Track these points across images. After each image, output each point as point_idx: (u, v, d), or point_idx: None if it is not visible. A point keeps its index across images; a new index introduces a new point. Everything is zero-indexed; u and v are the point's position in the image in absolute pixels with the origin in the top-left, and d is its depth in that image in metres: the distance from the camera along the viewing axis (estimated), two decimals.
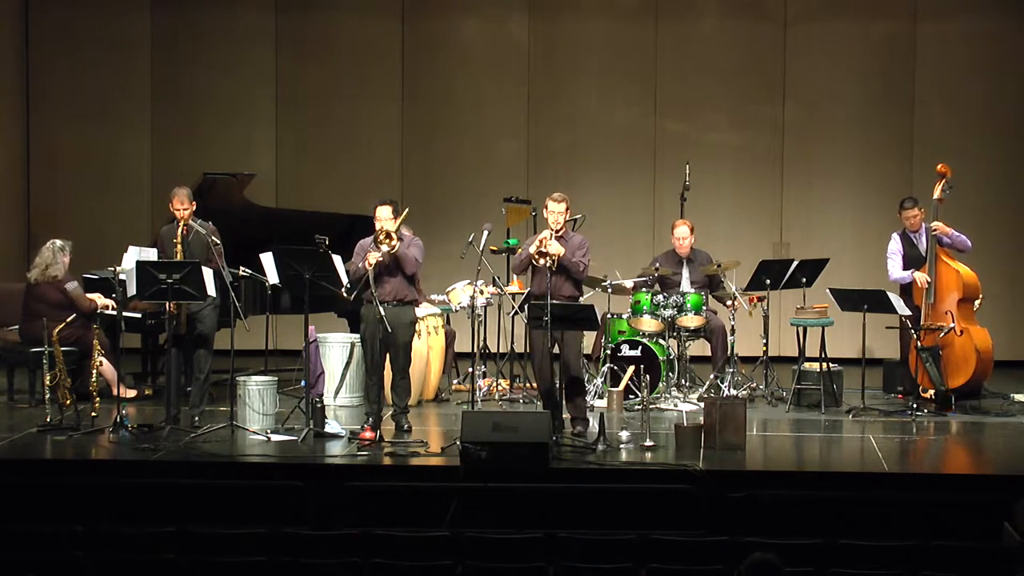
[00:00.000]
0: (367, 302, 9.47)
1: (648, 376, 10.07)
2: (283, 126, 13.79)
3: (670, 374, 10.85)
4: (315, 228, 9.99)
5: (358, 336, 9.95)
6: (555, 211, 9.41)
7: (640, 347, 10.83)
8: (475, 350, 10.67)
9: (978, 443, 9.76)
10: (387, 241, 9.36)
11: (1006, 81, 13.37)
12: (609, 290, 10.99)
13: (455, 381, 11.48)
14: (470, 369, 10.64)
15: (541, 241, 9.27)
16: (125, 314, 9.94)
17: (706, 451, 9.00)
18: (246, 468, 8.74)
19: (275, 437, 9.37)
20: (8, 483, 8.39)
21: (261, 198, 12.34)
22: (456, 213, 13.27)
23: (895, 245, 10.95)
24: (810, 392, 10.68)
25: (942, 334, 10.48)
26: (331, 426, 9.49)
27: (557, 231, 9.37)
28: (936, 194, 10.69)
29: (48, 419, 9.64)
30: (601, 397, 10.67)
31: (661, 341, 10.91)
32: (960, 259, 10.78)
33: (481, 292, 10.90)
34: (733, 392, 10.73)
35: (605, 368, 10.81)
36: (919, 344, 10.40)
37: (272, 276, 10.32)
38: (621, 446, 9.14)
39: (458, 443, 8.63)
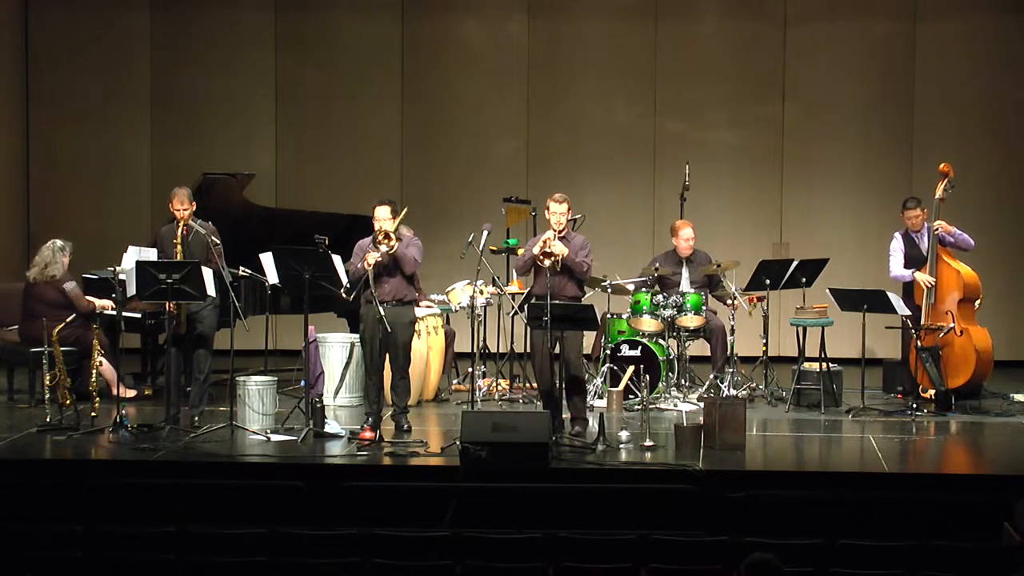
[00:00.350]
0: (367, 302, 9.47)
1: (648, 376, 10.06)
2: (283, 126, 13.79)
3: (670, 374, 10.85)
4: (315, 228, 10.00)
5: (358, 336, 9.95)
6: (556, 212, 9.41)
7: (640, 347, 10.83)
8: (475, 350, 10.67)
9: (978, 443, 9.76)
10: (386, 241, 9.36)
11: (1006, 81, 13.36)
12: (609, 290, 10.99)
13: (455, 381, 11.48)
14: (470, 369, 10.65)
15: (545, 242, 9.26)
16: (125, 314, 9.94)
17: (706, 451, 9.00)
18: (246, 468, 8.74)
19: (275, 437, 9.37)
20: (8, 483, 8.38)
21: (261, 198, 12.35)
22: (456, 213, 13.27)
23: (897, 244, 10.95)
24: (810, 392, 10.68)
25: (942, 334, 10.47)
26: (331, 426, 9.49)
27: (559, 231, 9.37)
28: (938, 193, 10.68)
29: (48, 419, 9.64)
30: (601, 397, 10.67)
31: (661, 341, 10.91)
32: (961, 259, 10.77)
33: (481, 292, 10.90)
34: (733, 392, 10.72)
35: (605, 368, 10.81)
36: (919, 344, 10.40)
37: (272, 276, 10.32)
38: (621, 446, 9.14)
39: (458, 443, 8.63)
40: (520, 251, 10.83)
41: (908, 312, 10.56)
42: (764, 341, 11.05)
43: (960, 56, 13.40)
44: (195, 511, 8.04)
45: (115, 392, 9.93)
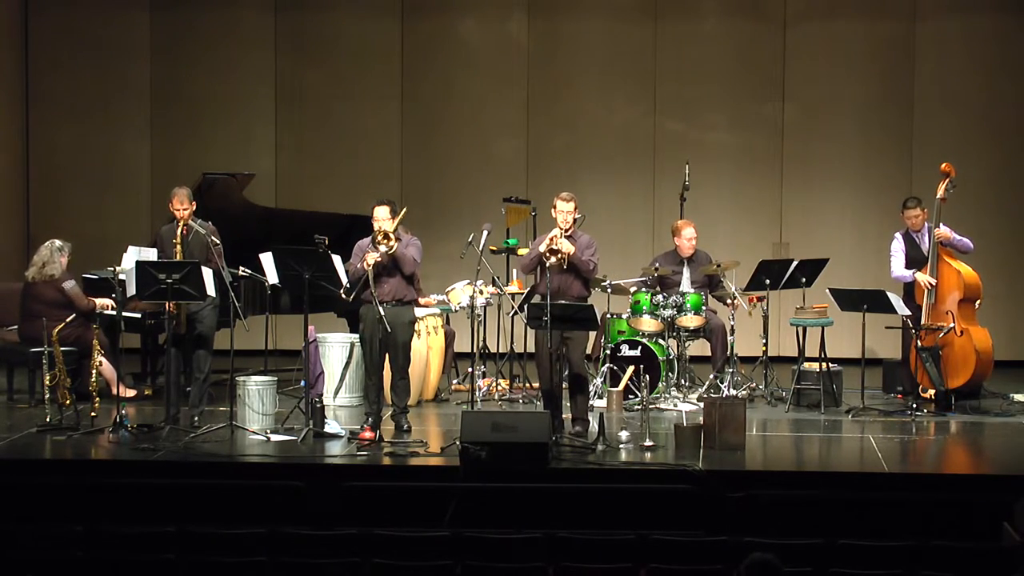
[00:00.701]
0: (366, 302, 9.47)
1: (648, 376, 10.06)
2: (283, 126, 13.79)
3: (670, 374, 10.85)
4: (314, 228, 9.99)
5: (357, 336, 9.95)
6: (564, 210, 9.40)
7: (640, 347, 10.83)
8: (475, 350, 10.67)
9: (978, 443, 9.76)
10: (385, 241, 9.36)
11: (1006, 81, 13.36)
12: (609, 290, 10.98)
13: (455, 381, 11.48)
14: (470, 369, 10.64)
15: (552, 239, 9.25)
16: (125, 314, 9.94)
17: (706, 451, 8.99)
18: (246, 468, 8.74)
19: (275, 437, 9.37)
20: (8, 483, 8.38)
21: (261, 198, 12.34)
22: (456, 213, 13.27)
23: (897, 244, 10.94)
24: (810, 392, 10.68)
25: (942, 334, 10.47)
26: (331, 426, 9.49)
27: (566, 230, 9.36)
28: (939, 193, 10.68)
29: (48, 419, 9.63)
30: (601, 397, 10.67)
31: (661, 341, 10.91)
32: (961, 259, 10.77)
33: (481, 292, 10.89)
34: (733, 392, 10.72)
35: (605, 368, 10.81)
36: (919, 344, 10.40)
37: (272, 276, 10.33)
38: (621, 446, 9.14)
39: (458, 443, 8.63)
40: (520, 251, 10.85)
41: (908, 312, 10.56)
42: (764, 341, 11.05)
43: (960, 56, 13.40)
44: (195, 511, 8.04)
45: (115, 392, 9.93)
